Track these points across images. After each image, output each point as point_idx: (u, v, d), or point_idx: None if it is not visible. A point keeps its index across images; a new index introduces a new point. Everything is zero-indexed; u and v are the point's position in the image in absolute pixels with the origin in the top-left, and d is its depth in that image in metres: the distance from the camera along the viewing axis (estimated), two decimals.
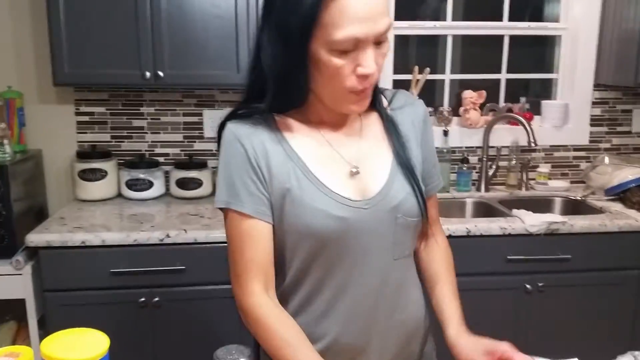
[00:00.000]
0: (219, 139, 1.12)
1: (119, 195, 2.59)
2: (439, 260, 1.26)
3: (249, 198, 1.07)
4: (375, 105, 1.16)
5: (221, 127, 1.12)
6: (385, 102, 1.20)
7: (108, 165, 2.53)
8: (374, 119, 1.18)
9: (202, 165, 2.59)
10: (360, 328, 1.13)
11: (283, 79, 1.03)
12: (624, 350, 1.14)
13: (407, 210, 1.12)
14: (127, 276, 2.08)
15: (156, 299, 2.11)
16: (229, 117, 1.12)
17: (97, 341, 0.83)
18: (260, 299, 1.07)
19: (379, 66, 1.01)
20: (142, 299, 2.10)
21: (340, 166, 1.11)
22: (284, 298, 1.14)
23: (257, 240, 1.07)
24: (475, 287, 2.21)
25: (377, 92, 1.15)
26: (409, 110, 1.20)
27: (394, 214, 1.11)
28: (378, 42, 0.99)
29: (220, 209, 1.10)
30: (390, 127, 1.16)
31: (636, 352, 1.07)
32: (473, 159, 2.84)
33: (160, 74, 2.27)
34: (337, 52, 0.97)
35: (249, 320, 1.08)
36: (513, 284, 2.28)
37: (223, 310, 2.15)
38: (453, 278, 1.24)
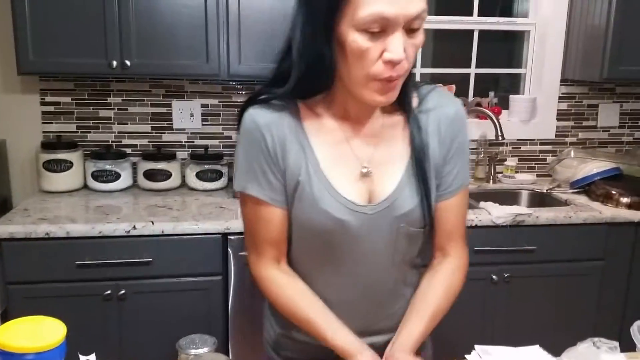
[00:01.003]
0: (239, 122, 1.11)
1: (85, 186, 2.54)
2: (435, 286, 1.16)
3: (266, 185, 1.09)
4: (402, 103, 1.10)
5: (242, 111, 1.11)
6: (415, 102, 1.12)
7: (74, 156, 2.48)
8: (397, 119, 1.11)
9: (170, 157, 2.56)
10: (351, 325, 1.13)
11: (309, 61, 1.00)
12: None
13: (411, 221, 1.09)
14: (92, 268, 2.05)
15: (122, 291, 2.08)
16: (250, 102, 1.10)
17: (53, 329, 0.81)
18: (271, 272, 1.14)
19: (409, 58, 0.96)
20: (108, 292, 2.07)
21: (352, 165, 1.09)
22: None
23: (271, 223, 1.11)
24: None
25: (407, 89, 1.09)
26: (438, 113, 1.12)
27: (398, 222, 1.09)
28: (410, 29, 0.94)
29: (238, 191, 1.13)
30: (413, 131, 1.10)
31: (595, 339, 1.09)
32: None
33: (128, 63, 2.23)
34: (364, 33, 0.92)
35: (262, 290, 1.16)
36: (480, 274, 2.30)
37: (190, 303, 2.14)
38: (435, 307, 1.13)
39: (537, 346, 1.15)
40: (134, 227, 2.05)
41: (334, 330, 1.09)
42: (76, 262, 2.03)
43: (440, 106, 1.13)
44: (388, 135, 1.11)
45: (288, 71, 1.04)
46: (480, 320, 2.35)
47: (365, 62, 0.95)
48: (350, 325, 1.12)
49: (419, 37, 0.97)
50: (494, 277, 2.31)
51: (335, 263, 1.11)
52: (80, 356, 1.03)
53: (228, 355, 2.17)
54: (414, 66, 1.07)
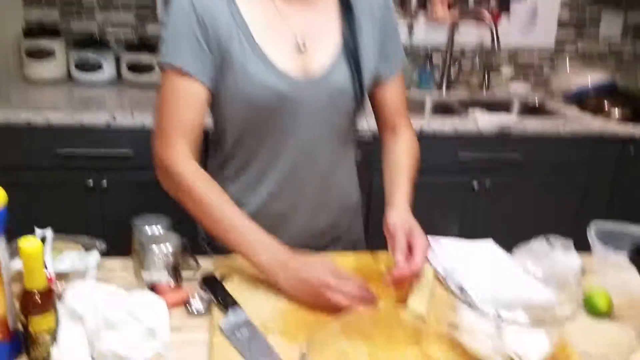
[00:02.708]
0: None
1: (68, 76, 2.49)
2: (399, 150, 1.22)
3: (192, 57, 1.05)
4: None
5: None
6: None
7: (56, 44, 2.41)
8: None
9: (156, 49, 2.49)
10: (288, 198, 1.16)
11: None
12: None
13: (345, 95, 1.11)
14: (73, 158, 2.06)
15: (103, 180, 2.09)
16: None
17: None
18: (184, 158, 1.06)
19: None
20: (90, 180, 2.08)
21: (286, 38, 1.09)
22: (220, 167, 1.18)
23: (192, 101, 1.06)
24: (426, 185, 2.23)
25: None
26: None
27: (332, 96, 1.10)
28: None
29: (161, 67, 1.07)
30: (346, 9, 1.12)
31: (550, 236, 1.10)
32: (436, 58, 2.78)
33: None
34: None
35: (170, 176, 1.07)
36: (461, 182, 2.31)
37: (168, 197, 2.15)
38: (409, 166, 1.19)
39: (491, 240, 1.16)
40: (114, 119, 2.03)
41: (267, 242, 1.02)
42: (56, 151, 2.04)
43: None
44: (321, 8, 1.12)
45: None
46: (459, 227, 2.37)
47: None
48: (293, 203, 1.16)
49: None
50: (475, 185, 2.31)
51: (273, 138, 1.11)
52: (37, 229, 1.05)
53: None
54: None
